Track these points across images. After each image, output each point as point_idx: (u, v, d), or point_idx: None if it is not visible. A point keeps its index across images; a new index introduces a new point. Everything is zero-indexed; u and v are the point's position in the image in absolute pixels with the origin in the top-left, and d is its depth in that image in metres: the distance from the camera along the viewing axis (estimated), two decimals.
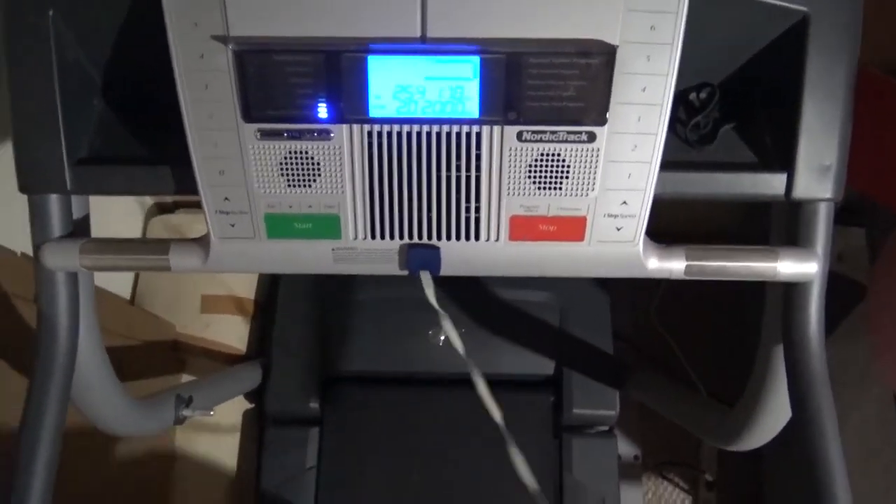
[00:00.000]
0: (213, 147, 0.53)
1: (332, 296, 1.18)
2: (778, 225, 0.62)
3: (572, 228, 0.55)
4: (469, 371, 0.59)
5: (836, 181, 0.56)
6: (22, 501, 0.55)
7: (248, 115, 0.52)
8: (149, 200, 1.30)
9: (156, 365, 1.12)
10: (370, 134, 0.52)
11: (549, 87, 0.51)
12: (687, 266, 0.57)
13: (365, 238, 0.56)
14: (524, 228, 0.55)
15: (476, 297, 1.18)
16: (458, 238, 0.56)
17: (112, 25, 0.56)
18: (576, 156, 0.53)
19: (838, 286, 0.65)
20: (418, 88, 0.51)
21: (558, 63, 0.50)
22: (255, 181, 0.54)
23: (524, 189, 0.54)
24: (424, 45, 0.50)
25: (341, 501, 1.11)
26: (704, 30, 0.53)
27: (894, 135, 0.80)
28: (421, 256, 0.56)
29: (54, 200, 0.58)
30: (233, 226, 0.56)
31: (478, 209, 0.55)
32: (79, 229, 0.59)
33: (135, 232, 1.24)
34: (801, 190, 0.56)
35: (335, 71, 0.50)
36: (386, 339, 1.16)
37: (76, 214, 0.60)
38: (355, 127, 0.52)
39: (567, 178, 0.53)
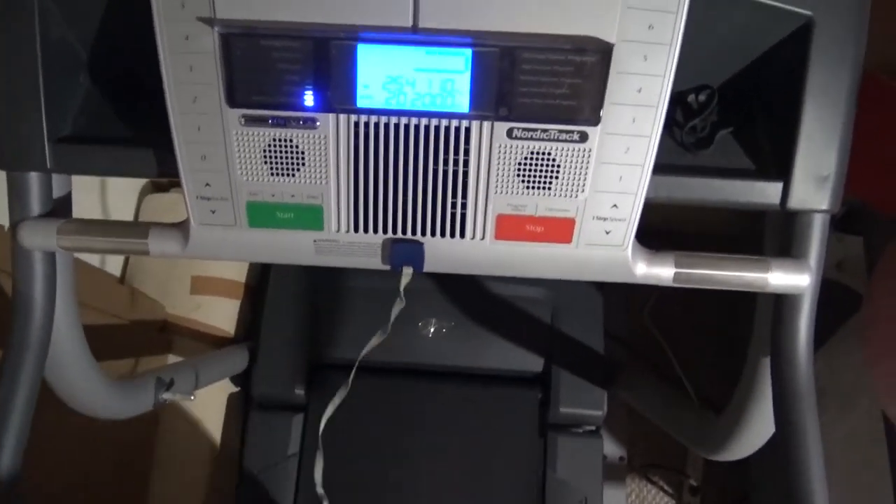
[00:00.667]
0: (195, 131, 0.52)
1: (324, 282, 1.17)
2: (772, 234, 0.60)
3: (560, 230, 0.54)
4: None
5: (833, 192, 0.54)
6: None
7: (233, 99, 0.50)
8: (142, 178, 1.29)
9: (143, 345, 1.11)
10: (357, 124, 0.51)
11: (542, 83, 0.49)
12: (676, 273, 0.55)
13: (348, 231, 0.55)
14: (511, 228, 0.54)
15: (467, 291, 1.17)
16: (442, 235, 0.55)
17: (100, 2, 0.54)
18: (567, 155, 0.51)
19: (835, 295, 0.64)
20: (408, 79, 0.50)
21: (552, 59, 0.49)
22: (238, 168, 0.53)
23: (512, 187, 0.53)
24: (416, 35, 0.48)
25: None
26: (705, 30, 0.52)
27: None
28: (404, 252, 0.55)
29: (34, 178, 0.56)
30: (213, 212, 0.54)
31: (464, 206, 0.54)
32: (59, 209, 0.58)
33: (128, 209, 1.23)
34: (797, 200, 0.54)
35: (323, 58, 0.49)
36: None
37: (57, 193, 0.58)
38: (342, 116, 0.51)
39: (557, 178, 0.52)
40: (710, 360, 1.25)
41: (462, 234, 0.55)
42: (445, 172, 0.52)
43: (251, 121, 0.51)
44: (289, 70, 0.50)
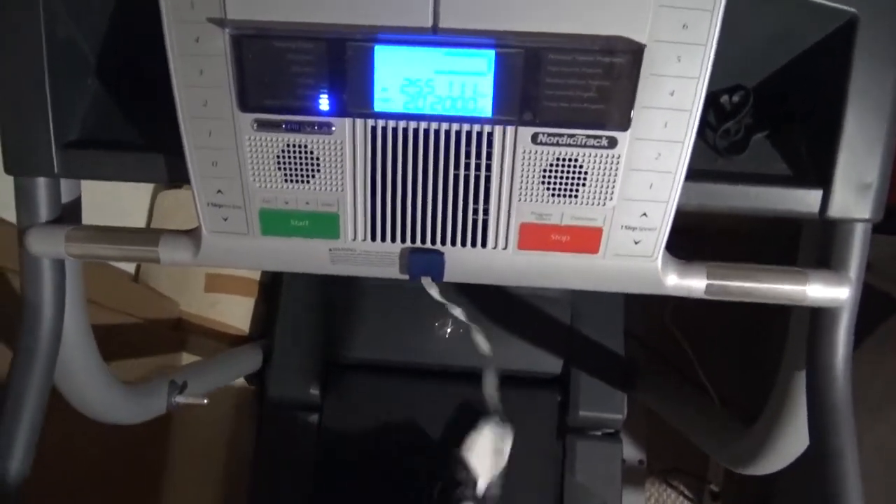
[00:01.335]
0: (206, 136, 0.50)
1: (339, 280, 1.15)
2: (808, 243, 0.58)
3: (587, 239, 0.52)
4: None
5: (875, 200, 0.51)
6: None
7: (245, 104, 0.48)
8: None
9: (157, 343, 1.10)
10: (374, 129, 0.49)
11: (568, 86, 0.47)
12: (708, 285, 0.53)
13: (365, 239, 0.53)
14: (535, 237, 0.52)
15: (485, 290, 1.14)
16: (463, 244, 0.52)
17: (108, 3, 0.52)
18: (594, 162, 0.49)
19: (865, 297, 0.61)
20: (427, 82, 0.48)
21: (580, 61, 0.46)
22: (251, 174, 0.51)
23: (537, 195, 0.50)
24: (436, 35, 0.46)
25: (336, 491, 1.09)
26: (741, 28, 0.49)
27: None
28: (423, 262, 0.53)
29: (41, 183, 0.55)
30: (225, 220, 0.52)
31: (486, 214, 0.51)
32: (67, 214, 0.57)
33: (143, 205, 1.22)
34: (838, 209, 0.51)
35: (339, 60, 0.47)
36: (392, 328, 1.14)
37: (65, 198, 0.57)
38: (358, 121, 0.49)
39: (584, 185, 0.50)
40: (735, 363, 1.22)
41: (484, 244, 0.52)
42: (467, 179, 0.50)
43: (264, 126, 0.49)
44: (303, 73, 0.47)
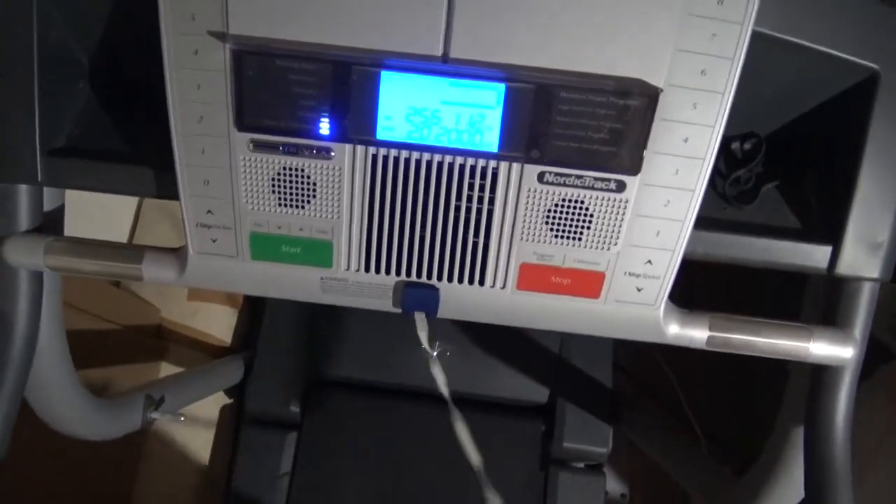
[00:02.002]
0: (199, 154, 0.47)
1: None
2: (813, 297, 0.56)
3: (588, 284, 0.50)
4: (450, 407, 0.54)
5: (886, 260, 0.50)
6: None
7: (242, 122, 0.46)
8: None
9: (136, 351, 1.07)
10: (375, 157, 0.47)
11: (579, 125, 0.45)
12: (710, 337, 0.51)
13: (358, 270, 0.51)
14: (535, 278, 0.50)
15: None
16: (460, 281, 0.50)
17: (104, 7, 0.50)
18: (601, 205, 0.47)
19: None
20: (433, 112, 0.46)
21: (593, 101, 0.44)
22: (244, 196, 0.48)
23: (539, 235, 0.48)
24: (445, 65, 0.44)
25: None
26: (759, 76, 0.47)
27: None
28: (417, 296, 0.51)
29: (23, 191, 0.52)
30: (214, 241, 0.50)
31: (485, 252, 0.49)
32: (49, 224, 0.54)
33: (129, 209, 1.19)
34: (847, 266, 0.50)
35: (343, 84, 0.45)
36: (376, 347, 1.11)
37: (48, 207, 0.54)
38: (359, 148, 0.47)
39: (589, 228, 0.48)
40: (724, 400, 1.20)
41: (482, 282, 0.50)
42: (468, 215, 0.48)
43: (260, 146, 0.47)
44: (305, 94, 0.45)
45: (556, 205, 0.47)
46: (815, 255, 0.51)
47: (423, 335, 0.53)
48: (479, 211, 0.48)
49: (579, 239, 0.48)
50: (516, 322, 0.52)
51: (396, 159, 0.47)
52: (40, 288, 0.55)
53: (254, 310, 1.22)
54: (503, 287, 0.50)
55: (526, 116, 0.45)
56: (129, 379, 1.03)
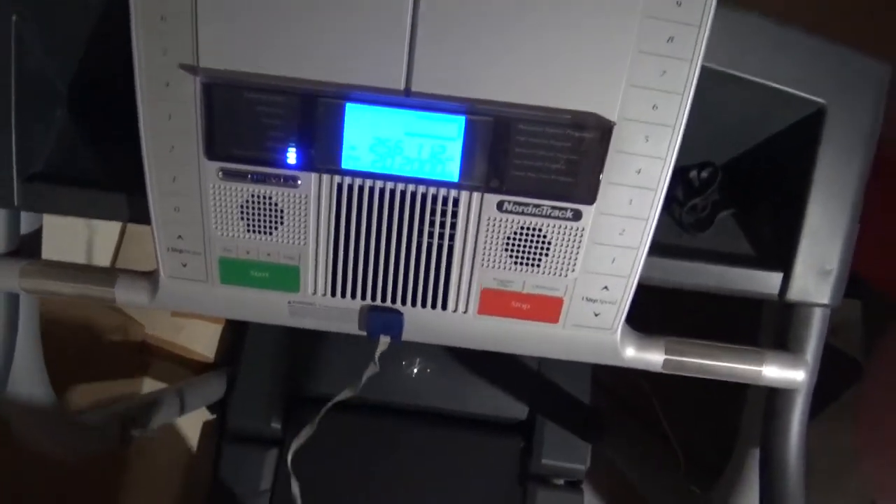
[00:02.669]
0: (170, 181, 0.49)
1: None
2: (767, 323, 0.58)
3: (547, 309, 0.51)
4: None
5: (835, 287, 0.52)
6: None
7: (212, 152, 0.48)
8: None
9: (120, 367, 1.08)
10: (340, 186, 0.49)
11: (536, 157, 0.47)
12: (665, 360, 0.53)
13: (325, 294, 0.52)
14: (495, 303, 0.52)
15: None
16: (423, 305, 0.52)
17: (81, 36, 0.52)
18: (558, 233, 0.49)
19: (833, 361, 0.61)
20: (397, 143, 0.47)
21: (549, 133, 0.46)
22: (213, 222, 0.50)
23: (499, 262, 0.50)
24: (408, 98, 0.46)
25: None
26: (712, 109, 0.49)
27: None
28: (382, 320, 0.52)
29: (1, 215, 0.54)
30: (184, 265, 0.52)
31: (447, 278, 0.51)
32: (26, 247, 0.56)
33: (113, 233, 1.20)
34: (797, 292, 0.52)
35: (309, 115, 0.47)
36: (359, 364, 1.12)
37: (25, 230, 0.56)
38: (325, 177, 0.48)
39: (547, 255, 0.50)
40: (702, 416, 1.22)
41: (444, 306, 0.52)
42: (430, 242, 0.50)
43: (230, 175, 0.49)
44: (272, 125, 0.47)
45: (515, 232, 0.49)
46: (767, 282, 0.52)
47: (379, 350, 0.55)
48: (441, 237, 0.50)
49: (538, 265, 0.50)
50: (478, 345, 0.54)
51: (361, 188, 0.49)
52: (16, 310, 0.56)
53: (237, 326, 1.23)
54: (465, 311, 0.52)
55: (485, 148, 0.47)
56: (112, 395, 1.04)
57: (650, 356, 0.53)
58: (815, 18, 0.60)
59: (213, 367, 1.20)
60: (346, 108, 0.47)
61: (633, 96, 0.45)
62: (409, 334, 0.53)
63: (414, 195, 0.49)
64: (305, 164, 0.48)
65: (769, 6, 0.50)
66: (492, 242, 0.49)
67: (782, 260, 0.52)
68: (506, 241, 0.49)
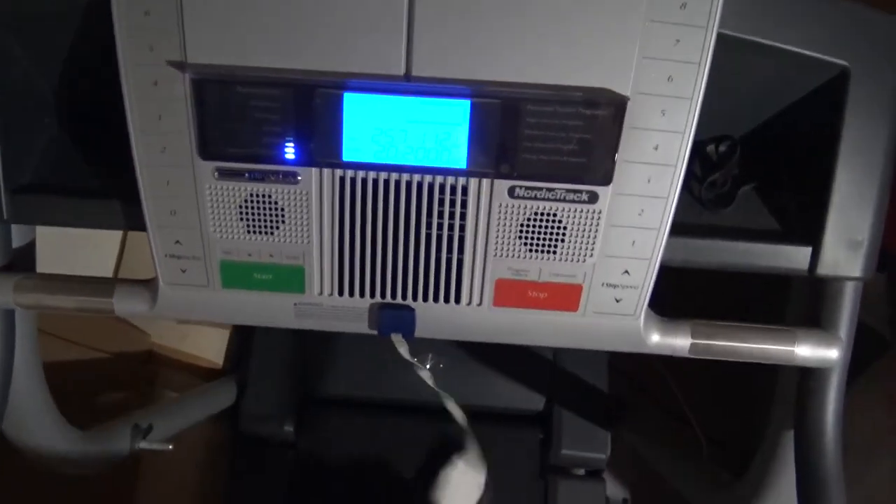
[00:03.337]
0: (164, 185, 0.47)
1: None
2: (797, 300, 0.55)
3: (566, 297, 0.49)
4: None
5: (867, 258, 0.49)
6: None
7: (206, 151, 0.46)
8: None
9: (127, 378, 1.07)
10: (342, 180, 0.46)
11: (548, 138, 0.44)
12: (692, 344, 0.51)
13: (332, 294, 0.50)
14: (511, 294, 0.49)
15: None
16: (435, 300, 0.50)
17: (67, 42, 0.50)
18: (574, 217, 0.46)
19: (857, 336, 0.59)
20: (399, 132, 0.45)
21: (560, 112, 0.44)
22: (211, 225, 0.48)
23: (513, 250, 0.48)
24: (409, 84, 0.43)
25: None
26: (729, 78, 0.47)
27: None
28: (393, 318, 0.50)
29: None
30: (184, 271, 0.50)
31: (460, 270, 0.49)
32: (19, 261, 0.54)
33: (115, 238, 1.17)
34: (828, 266, 0.49)
35: (306, 108, 0.44)
36: (369, 363, 1.10)
37: (17, 243, 0.54)
38: (326, 171, 0.46)
39: (563, 241, 0.47)
40: (724, 401, 1.19)
41: (458, 300, 0.50)
42: (440, 233, 0.47)
43: (226, 174, 0.46)
44: (267, 120, 0.45)
45: (529, 219, 0.47)
46: (795, 257, 0.50)
47: (403, 351, 0.52)
48: (451, 228, 0.47)
49: (554, 252, 0.47)
50: (495, 338, 0.51)
51: (364, 181, 0.46)
52: (12, 325, 0.54)
53: (244, 330, 1.21)
54: (479, 304, 0.50)
55: (493, 131, 0.44)
56: (120, 407, 1.02)
57: (676, 341, 0.51)
58: None
59: (221, 373, 1.18)
60: (345, 97, 0.44)
61: (646, 68, 0.43)
62: (421, 331, 0.51)
63: (420, 185, 0.46)
64: (305, 159, 0.46)
65: None
66: (504, 230, 0.47)
67: (810, 233, 0.50)
68: (519, 228, 0.47)
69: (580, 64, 0.42)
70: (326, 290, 0.50)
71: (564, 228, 0.47)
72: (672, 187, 0.45)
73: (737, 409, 1.19)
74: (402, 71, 0.43)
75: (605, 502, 1.08)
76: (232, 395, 1.10)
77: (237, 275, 0.49)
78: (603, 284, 0.48)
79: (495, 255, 0.48)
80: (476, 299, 0.50)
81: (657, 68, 0.43)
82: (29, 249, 0.55)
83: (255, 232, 0.48)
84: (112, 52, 0.44)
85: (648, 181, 0.45)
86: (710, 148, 0.53)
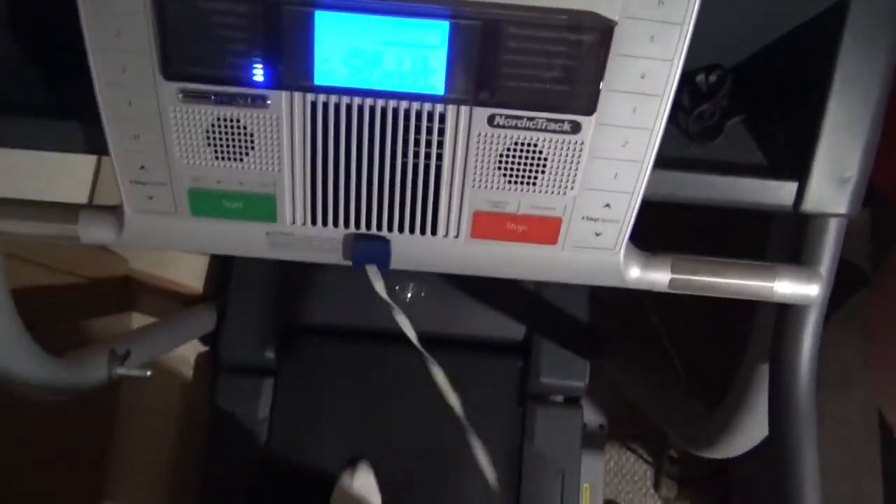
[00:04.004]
0: (125, 106, 0.44)
1: None
2: (778, 235, 0.55)
3: (545, 230, 0.48)
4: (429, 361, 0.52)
5: (853, 195, 0.48)
6: None
7: (169, 71, 0.43)
8: None
9: (104, 304, 1.05)
10: (314, 104, 0.44)
11: (530, 64, 0.42)
12: (672, 279, 0.50)
13: (304, 223, 0.48)
14: (489, 226, 0.48)
15: None
16: (411, 231, 0.48)
17: None
18: (555, 148, 0.45)
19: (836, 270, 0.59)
20: (374, 54, 0.43)
21: (543, 37, 0.41)
22: (177, 150, 0.46)
23: (492, 182, 0.46)
24: (384, 2, 0.41)
25: (292, 456, 1.07)
26: (721, 4, 0.44)
27: None
28: (368, 249, 0.49)
29: None
30: (150, 198, 0.48)
31: (436, 201, 0.47)
32: None
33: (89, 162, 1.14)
34: (813, 203, 0.48)
35: (275, 26, 0.42)
36: (351, 290, 1.10)
37: None
38: (297, 95, 0.44)
39: (543, 172, 0.46)
40: (704, 332, 1.20)
41: (434, 232, 0.48)
42: (416, 163, 0.46)
43: (191, 96, 0.44)
44: (234, 38, 0.42)
45: (508, 149, 0.45)
46: (780, 192, 0.49)
47: (378, 287, 0.51)
48: (427, 157, 0.45)
49: (534, 184, 0.46)
50: (472, 271, 0.50)
51: (337, 105, 0.44)
52: None
53: (223, 257, 1.19)
54: (456, 236, 0.48)
55: (473, 56, 0.42)
56: (98, 334, 1.01)
57: (656, 276, 0.50)
58: None
59: (202, 299, 1.17)
60: (316, 15, 0.41)
61: None
62: (397, 262, 0.50)
63: (396, 111, 0.44)
64: (274, 81, 0.43)
65: None
66: (483, 161, 0.45)
67: (797, 168, 0.48)
68: (498, 158, 0.45)
69: None
70: (299, 220, 0.48)
71: (545, 159, 0.45)
72: (658, 118, 0.44)
73: (717, 341, 1.20)
74: None
75: (583, 428, 1.10)
76: (212, 321, 1.09)
77: (206, 202, 0.48)
78: (583, 218, 0.47)
79: (473, 185, 0.46)
80: (453, 231, 0.48)
81: None
82: None
83: (223, 158, 0.46)
84: None
85: (634, 111, 0.43)
86: (700, 77, 0.51)
